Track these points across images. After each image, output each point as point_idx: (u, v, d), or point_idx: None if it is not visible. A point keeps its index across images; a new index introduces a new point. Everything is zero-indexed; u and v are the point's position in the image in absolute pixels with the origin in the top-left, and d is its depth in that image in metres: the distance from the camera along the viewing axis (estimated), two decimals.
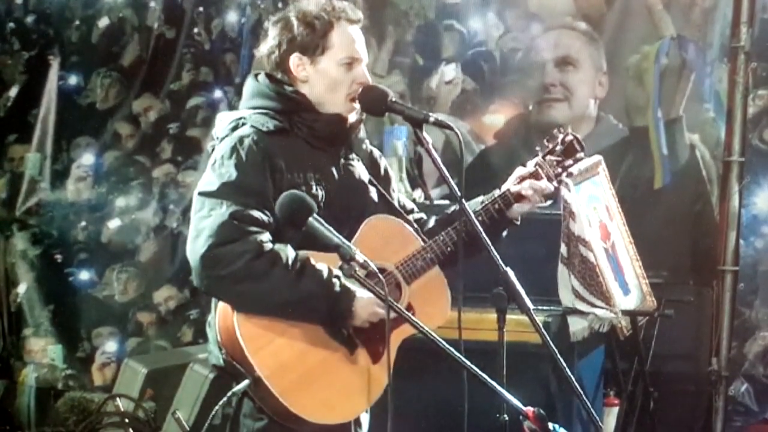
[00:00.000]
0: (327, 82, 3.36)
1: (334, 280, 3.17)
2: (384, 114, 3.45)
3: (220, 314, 3.20)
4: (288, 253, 3.16)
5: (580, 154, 3.54)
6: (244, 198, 3.16)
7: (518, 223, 3.52)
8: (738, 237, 5.41)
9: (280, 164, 3.25)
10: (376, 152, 3.59)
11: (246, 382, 3.12)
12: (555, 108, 5.96)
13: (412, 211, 3.62)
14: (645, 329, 5.03)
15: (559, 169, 3.51)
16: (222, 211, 3.14)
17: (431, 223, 3.58)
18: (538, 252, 4.69)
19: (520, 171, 3.49)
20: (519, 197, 3.44)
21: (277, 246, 3.16)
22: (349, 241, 3.24)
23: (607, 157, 5.11)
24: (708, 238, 5.60)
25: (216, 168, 3.23)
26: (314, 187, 3.30)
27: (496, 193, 3.47)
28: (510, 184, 3.47)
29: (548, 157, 3.50)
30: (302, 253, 3.18)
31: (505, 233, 3.52)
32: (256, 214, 3.17)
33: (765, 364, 5.58)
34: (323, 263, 3.18)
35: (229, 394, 3.15)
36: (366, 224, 3.35)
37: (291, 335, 3.17)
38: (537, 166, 3.48)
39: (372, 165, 3.54)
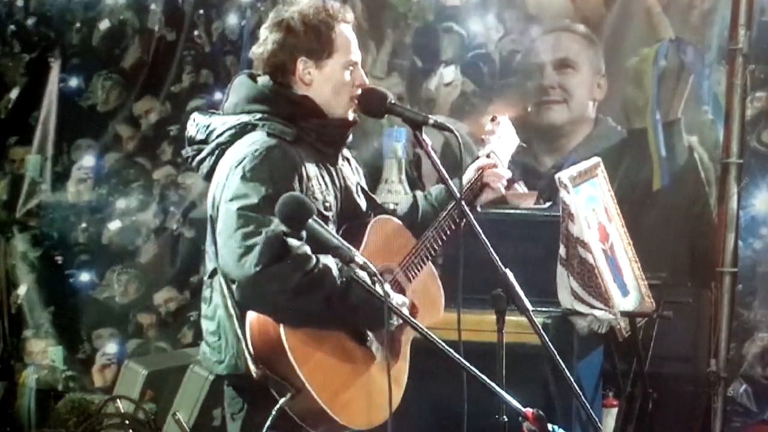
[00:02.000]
0: (332, 85, 3.36)
1: (377, 287, 3.12)
2: (383, 116, 3.47)
3: (257, 329, 3.16)
4: (331, 263, 3.14)
5: (515, 138, 3.78)
6: None
7: (479, 210, 3.64)
8: (737, 238, 5.42)
9: (303, 173, 3.25)
10: (347, 152, 3.59)
11: (288, 395, 3.10)
12: (554, 110, 5.97)
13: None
14: (644, 330, 5.04)
15: (507, 154, 3.71)
16: (272, 227, 3.08)
17: (398, 212, 3.65)
18: (537, 253, 4.71)
19: (479, 162, 3.63)
20: (483, 186, 3.59)
21: (322, 257, 3.14)
22: (358, 240, 3.27)
23: (605, 159, 5.13)
24: (706, 239, 5.61)
25: (248, 180, 3.16)
26: (325, 194, 3.31)
27: (464, 184, 3.55)
28: (472, 175, 3.60)
29: (497, 146, 3.66)
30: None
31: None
32: None
33: (764, 364, 5.58)
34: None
35: (277, 407, 3.11)
36: (373, 225, 3.37)
37: (327, 345, 3.18)
38: (492, 155, 3.63)
39: (348, 165, 3.57)
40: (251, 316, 3.17)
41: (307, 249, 3.12)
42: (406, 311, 3.21)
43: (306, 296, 3.09)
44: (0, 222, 7.28)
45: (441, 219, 3.46)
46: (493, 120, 3.71)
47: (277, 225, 3.08)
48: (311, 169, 3.29)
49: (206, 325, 3.37)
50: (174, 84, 7.00)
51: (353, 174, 3.55)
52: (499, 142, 3.68)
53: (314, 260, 3.11)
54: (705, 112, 5.73)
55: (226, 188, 3.22)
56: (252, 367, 3.17)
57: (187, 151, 3.43)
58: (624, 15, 5.91)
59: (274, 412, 3.12)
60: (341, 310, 3.14)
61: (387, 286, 3.14)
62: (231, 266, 3.14)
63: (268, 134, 3.26)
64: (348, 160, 3.58)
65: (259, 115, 3.32)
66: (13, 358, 7.13)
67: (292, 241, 3.09)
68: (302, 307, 3.10)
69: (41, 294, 7.16)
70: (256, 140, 3.25)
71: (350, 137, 3.50)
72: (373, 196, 3.62)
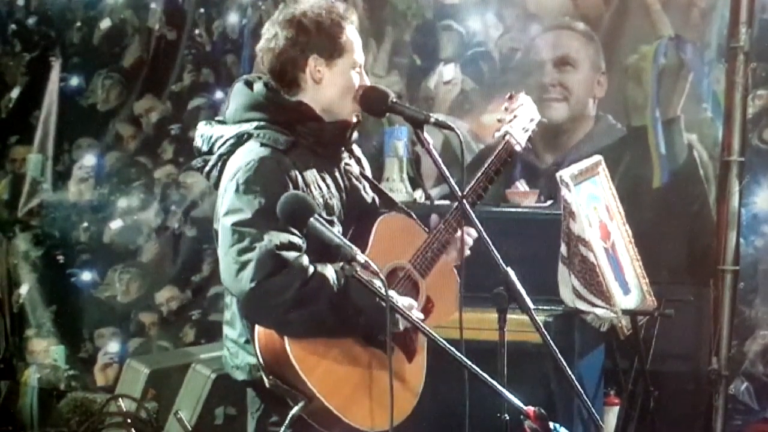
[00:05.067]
0: (341, 84, 3.35)
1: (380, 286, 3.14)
2: (385, 115, 3.48)
3: (263, 340, 3.18)
4: (329, 272, 3.16)
5: (535, 114, 3.74)
6: (279, 223, 3.11)
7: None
8: (738, 236, 5.42)
9: (299, 181, 3.25)
10: (357, 150, 3.59)
11: (302, 403, 3.13)
12: (554, 108, 5.97)
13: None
14: (645, 328, 5.05)
15: (525, 133, 3.67)
16: (265, 242, 3.11)
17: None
18: (539, 252, 4.71)
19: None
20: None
21: (319, 267, 3.16)
22: (365, 240, 3.27)
23: (605, 157, 5.14)
24: (705, 237, 5.61)
25: (242, 194, 3.18)
26: (327, 197, 3.31)
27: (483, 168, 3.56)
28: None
29: (513, 123, 3.63)
30: (336, 265, 3.16)
31: None
32: (293, 237, 3.16)
33: (765, 362, 5.58)
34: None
35: (290, 415, 3.15)
36: (379, 222, 3.37)
37: (336, 351, 3.20)
38: (508, 135, 3.61)
39: (357, 163, 3.56)
40: (258, 329, 3.19)
41: (304, 260, 3.14)
42: (416, 313, 3.21)
43: (304, 307, 3.11)
44: (1, 221, 7.29)
45: (451, 212, 3.45)
46: (509, 98, 3.68)
47: (270, 240, 3.11)
48: (310, 174, 3.29)
49: (226, 331, 3.40)
50: (175, 83, 7.00)
51: (359, 166, 3.54)
52: (516, 121, 3.63)
53: (310, 271, 3.13)
54: (704, 110, 5.74)
55: (223, 202, 3.25)
56: (264, 379, 3.20)
57: (197, 162, 3.45)
58: (623, 12, 5.91)
59: (288, 421, 3.16)
60: (344, 315, 3.15)
61: (392, 293, 3.15)
62: (229, 282, 3.19)
63: (262, 144, 3.26)
64: (359, 159, 3.58)
65: (255, 124, 3.32)
66: (15, 357, 7.13)
67: (288, 254, 3.12)
68: (302, 318, 3.12)
69: (43, 293, 7.16)
70: (250, 151, 3.26)
71: (355, 135, 3.50)
72: (385, 190, 3.60)
